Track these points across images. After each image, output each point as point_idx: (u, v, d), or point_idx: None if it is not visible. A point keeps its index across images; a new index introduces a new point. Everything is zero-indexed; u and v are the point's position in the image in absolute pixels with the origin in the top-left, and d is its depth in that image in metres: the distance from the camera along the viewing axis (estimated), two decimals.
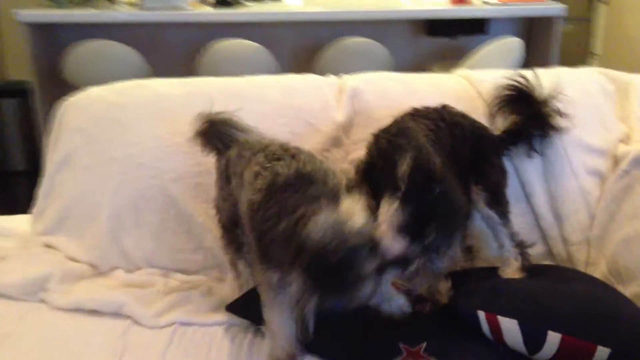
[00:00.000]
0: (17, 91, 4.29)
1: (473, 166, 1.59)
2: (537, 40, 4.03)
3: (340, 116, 1.87)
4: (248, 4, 3.91)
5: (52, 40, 3.77)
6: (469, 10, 3.83)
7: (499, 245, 1.64)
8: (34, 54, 3.62)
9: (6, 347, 1.44)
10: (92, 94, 1.92)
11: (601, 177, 1.82)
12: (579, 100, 1.90)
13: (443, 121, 1.56)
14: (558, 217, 1.81)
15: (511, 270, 1.61)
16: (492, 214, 1.60)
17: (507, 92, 1.74)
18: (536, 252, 1.80)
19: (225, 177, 1.55)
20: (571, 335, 1.29)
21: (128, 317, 1.57)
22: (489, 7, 3.84)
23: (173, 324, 1.55)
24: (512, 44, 3.60)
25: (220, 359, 1.44)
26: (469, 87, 1.93)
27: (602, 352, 1.28)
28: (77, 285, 1.68)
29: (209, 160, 1.68)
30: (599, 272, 1.71)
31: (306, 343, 1.39)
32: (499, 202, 1.61)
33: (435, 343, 1.36)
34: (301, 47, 3.95)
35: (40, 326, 1.53)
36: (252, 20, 3.74)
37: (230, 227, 1.58)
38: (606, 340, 1.28)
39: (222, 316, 1.57)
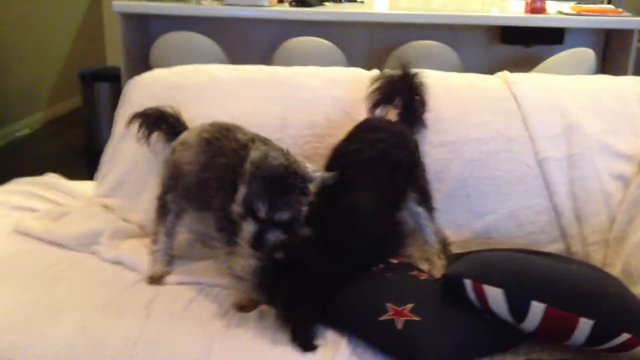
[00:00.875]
0: (111, 76, 4.61)
1: (409, 174, 1.73)
2: (615, 54, 3.97)
3: None
4: (326, 4, 4.06)
5: (142, 30, 4.06)
6: (544, 19, 3.81)
7: (423, 241, 1.73)
8: (125, 42, 3.92)
9: (58, 286, 1.64)
10: (156, 75, 2.13)
11: (625, 181, 1.86)
12: (611, 106, 1.95)
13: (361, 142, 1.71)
14: (579, 217, 1.85)
15: (437, 270, 1.67)
16: (419, 209, 1.73)
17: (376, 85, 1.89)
18: (554, 250, 1.85)
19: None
20: (555, 307, 1.32)
21: None
22: (564, 16, 3.81)
23: (201, 283, 1.70)
24: (584, 55, 3.55)
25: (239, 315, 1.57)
26: (505, 88, 2.00)
27: (585, 324, 1.30)
28: (125, 242, 1.88)
29: None
30: (614, 272, 1.73)
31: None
32: (425, 199, 1.75)
33: (422, 305, 1.40)
34: (374, 48, 4.06)
35: (88, 273, 1.72)
36: (327, 19, 3.87)
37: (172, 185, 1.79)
38: (589, 312, 1.30)
39: None
